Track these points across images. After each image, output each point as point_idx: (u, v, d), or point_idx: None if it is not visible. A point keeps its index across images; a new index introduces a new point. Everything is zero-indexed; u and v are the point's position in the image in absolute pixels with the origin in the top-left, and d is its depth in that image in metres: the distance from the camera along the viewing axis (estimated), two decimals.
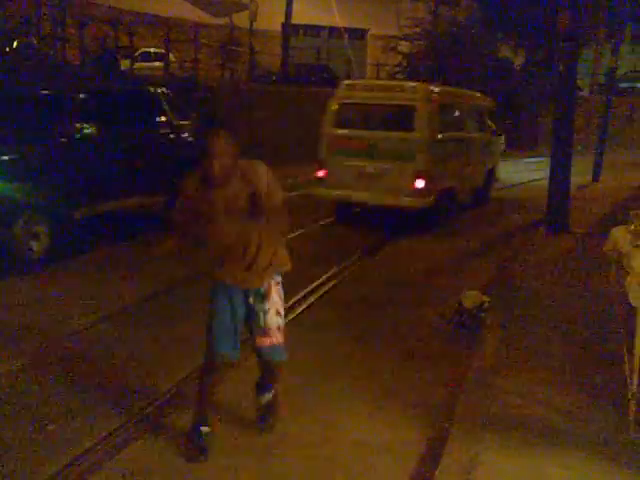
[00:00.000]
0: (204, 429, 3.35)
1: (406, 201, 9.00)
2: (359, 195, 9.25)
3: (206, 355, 3.27)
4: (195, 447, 3.33)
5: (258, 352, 3.32)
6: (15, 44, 16.05)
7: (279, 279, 3.29)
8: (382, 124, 9.43)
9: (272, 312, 3.20)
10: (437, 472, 3.10)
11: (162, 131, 9.00)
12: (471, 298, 5.78)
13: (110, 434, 3.52)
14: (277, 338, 3.23)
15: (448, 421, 3.67)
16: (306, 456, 3.39)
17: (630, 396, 3.48)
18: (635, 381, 3.41)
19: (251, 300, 3.20)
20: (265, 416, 3.62)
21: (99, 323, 5.22)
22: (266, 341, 3.21)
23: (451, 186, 9.80)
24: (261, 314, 3.19)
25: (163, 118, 9.00)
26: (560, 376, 4.14)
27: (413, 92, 9.25)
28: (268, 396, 3.60)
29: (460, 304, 5.74)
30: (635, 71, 29.10)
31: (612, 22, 16.21)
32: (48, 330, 5.03)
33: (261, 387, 3.60)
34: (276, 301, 3.23)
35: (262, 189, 2.95)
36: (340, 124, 9.39)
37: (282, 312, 3.30)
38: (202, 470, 3.25)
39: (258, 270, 3.14)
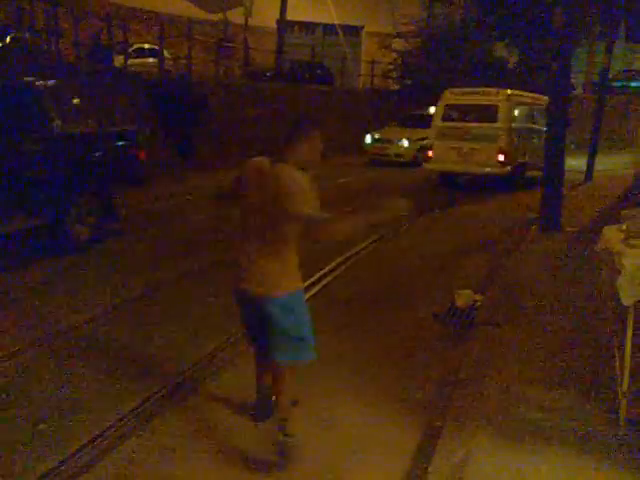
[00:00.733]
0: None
1: (491, 170, 13.26)
2: (458, 167, 13.69)
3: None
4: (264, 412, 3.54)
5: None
6: (8, 39, 15.96)
7: None
8: (474, 117, 13.62)
9: None
10: (430, 469, 3.12)
11: (35, 137, 7.02)
12: (463, 297, 5.80)
13: (102, 432, 3.51)
14: None
15: (441, 419, 3.68)
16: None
17: (621, 395, 3.50)
18: (626, 380, 3.43)
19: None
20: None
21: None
22: None
23: (523, 162, 13.65)
24: None
25: (41, 121, 7.09)
26: (551, 375, 4.15)
27: (496, 95, 13.39)
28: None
29: (453, 303, 5.77)
30: (629, 70, 29.13)
31: (606, 20, 16.24)
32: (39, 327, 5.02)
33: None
34: None
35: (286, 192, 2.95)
36: (445, 118, 13.81)
37: None
38: (196, 470, 3.25)
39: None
